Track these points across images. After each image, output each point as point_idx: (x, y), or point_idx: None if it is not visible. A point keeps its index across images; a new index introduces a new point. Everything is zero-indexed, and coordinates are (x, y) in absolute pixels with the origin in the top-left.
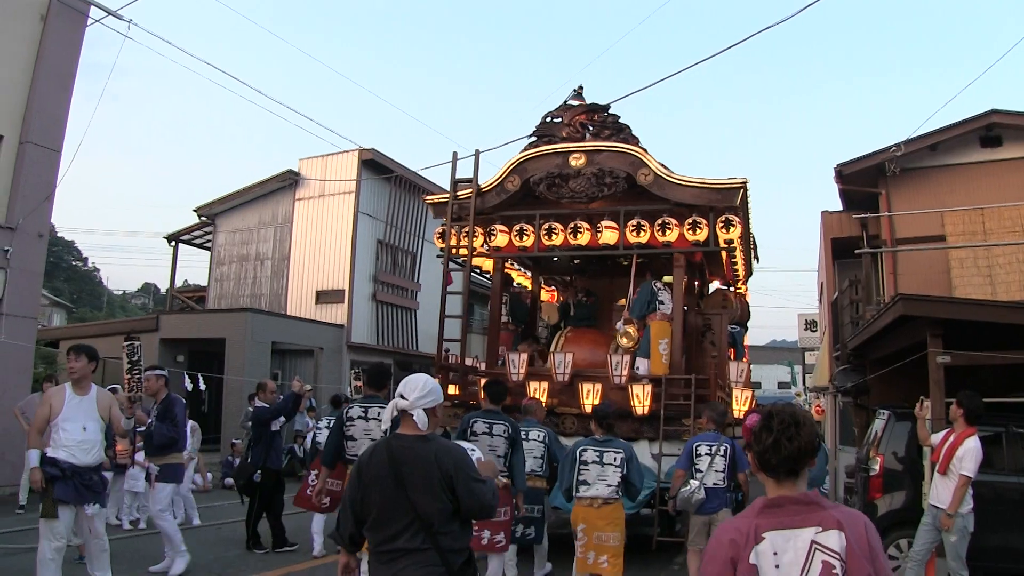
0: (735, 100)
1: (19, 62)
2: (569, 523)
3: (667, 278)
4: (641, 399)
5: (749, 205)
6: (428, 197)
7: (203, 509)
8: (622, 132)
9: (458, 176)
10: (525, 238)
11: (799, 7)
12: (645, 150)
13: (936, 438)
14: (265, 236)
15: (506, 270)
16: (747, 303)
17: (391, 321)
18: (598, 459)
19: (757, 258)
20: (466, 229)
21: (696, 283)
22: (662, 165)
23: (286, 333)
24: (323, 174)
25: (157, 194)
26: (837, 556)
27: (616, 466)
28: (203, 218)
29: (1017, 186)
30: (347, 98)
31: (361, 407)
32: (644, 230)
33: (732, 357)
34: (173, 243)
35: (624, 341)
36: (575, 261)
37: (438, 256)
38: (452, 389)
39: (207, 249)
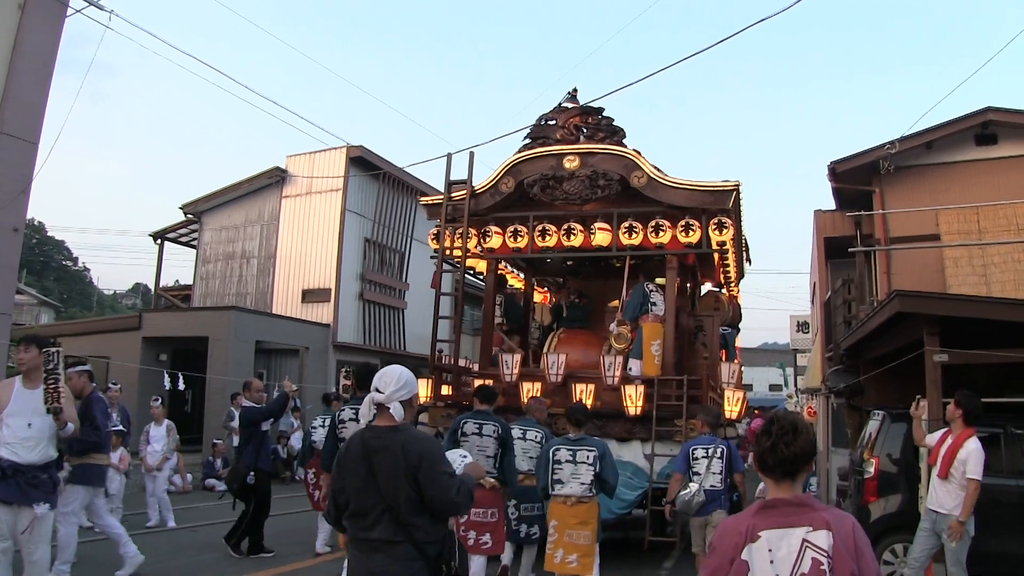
0: (728, 97)
1: None
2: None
3: (660, 280)
4: (634, 400)
5: (742, 207)
6: (422, 198)
7: (180, 511)
8: (616, 135)
9: (452, 177)
10: (519, 239)
11: (791, 1)
12: (638, 152)
13: (932, 439)
14: (251, 234)
15: (499, 271)
16: (739, 305)
17: (378, 320)
18: (571, 458)
19: (749, 260)
20: (460, 230)
21: (688, 285)
22: (655, 167)
23: (271, 332)
24: (311, 171)
25: (149, 193)
26: (825, 553)
27: (589, 464)
28: (189, 215)
29: (1012, 185)
30: (338, 96)
31: (352, 409)
32: (637, 232)
33: (724, 359)
34: (159, 241)
35: (617, 343)
36: (568, 263)
37: (432, 257)
38: (445, 390)
39: (193, 247)
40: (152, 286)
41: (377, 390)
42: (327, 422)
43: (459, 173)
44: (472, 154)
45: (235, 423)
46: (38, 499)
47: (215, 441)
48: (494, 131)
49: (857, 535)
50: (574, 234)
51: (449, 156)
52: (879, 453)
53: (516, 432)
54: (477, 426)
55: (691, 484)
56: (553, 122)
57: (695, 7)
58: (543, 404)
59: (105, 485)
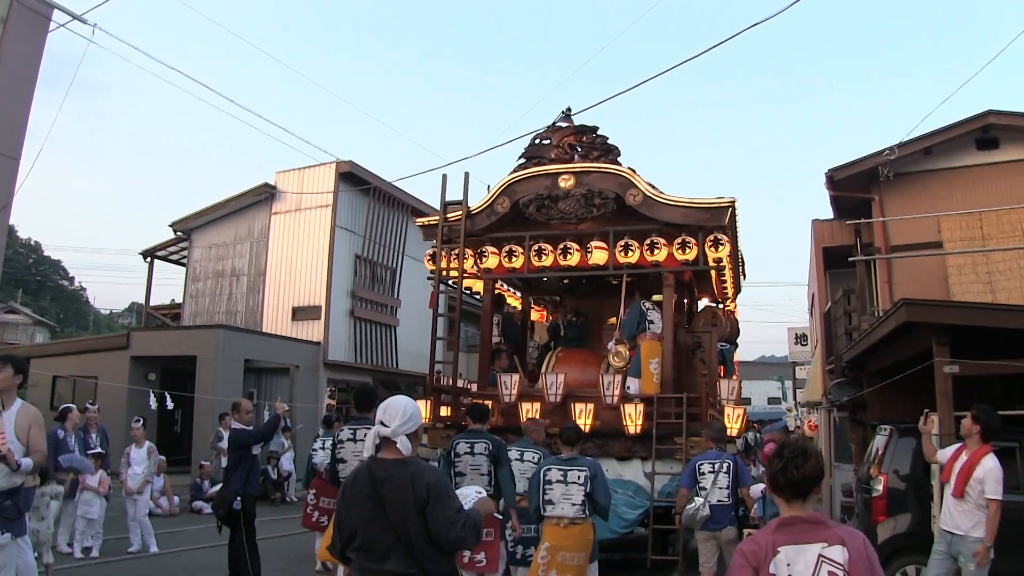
0: (724, 108)
1: None
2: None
3: (657, 297)
4: (633, 418)
5: (738, 223)
6: (418, 220)
7: (166, 535)
8: (610, 153)
9: (445, 196)
10: (515, 259)
11: (786, 7)
12: (633, 171)
13: (944, 455)
14: (241, 251)
15: (497, 291)
16: (736, 320)
17: (370, 338)
18: (562, 478)
19: (744, 275)
20: (456, 251)
21: (686, 301)
22: (650, 185)
23: (260, 350)
24: (300, 187)
25: (143, 210)
26: (841, 567)
27: (580, 484)
28: (179, 233)
29: (1016, 189)
30: (328, 110)
31: (350, 429)
32: (633, 250)
33: (722, 375)
34: (148, 259)
35: (615, 361)
36: (565, 282)
37: (428, 278)
38: (444, 411)
39: (183, 265)
40: (156, 306)
41: (382, 423)
42: (326, 444)
43: (454, 193)
44: (467, 174)
45: (223, 444)
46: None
47: (202, 463)
48: (485, 143)
49: (868, 550)
50: (570, 253)
51: (444, 177)
52: (887, 470)
53: (513, 453)
54: (469, 445)
55: (696, 499)
56: (547, 141)
57: (689, 19)
58: (540, 425)
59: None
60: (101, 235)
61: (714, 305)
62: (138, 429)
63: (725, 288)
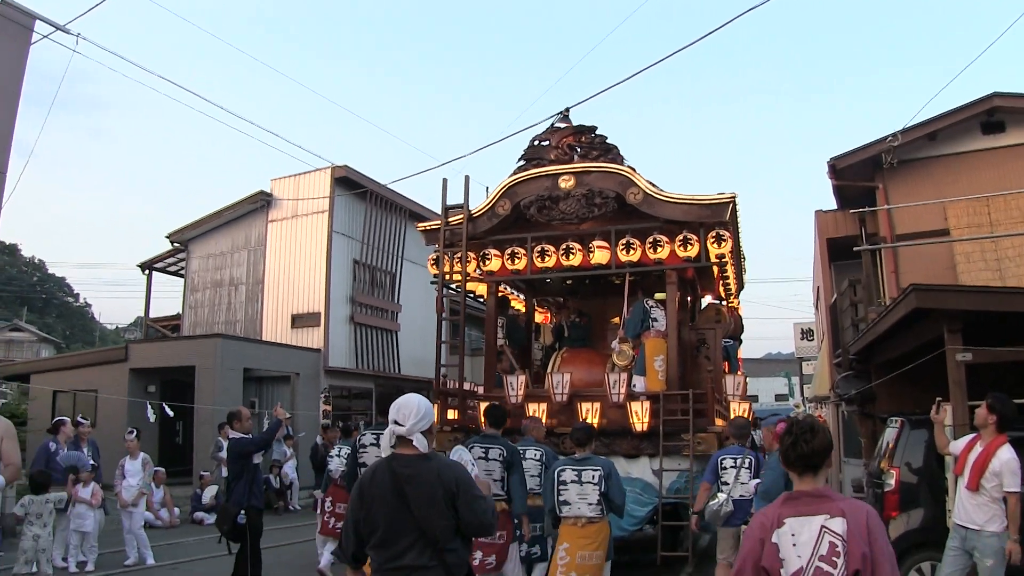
0: (723, 101)
1: None
2: None
3: (659, 295)
4: (640, 416)
5: (739, 219)
6: (420, 224)
7: (165, 547)
8: (610, 152)
9: (446, 200)
10: (517, 261)
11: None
12: (633, 169)
13: (958, 446)
14: (239, 260)
15: (500, 293)
16: (740, 316)
17: (371, 344)
18: (576, 478)
19: (744, 270)
20: (459, 255)
21: (689, 299)
22: (650, 183)
23: (260, 359)
24: (296, 194)
25: (145, 225)
26: (840, 537)
27: (595, 484)
28: (176, 244)
29: (1023, 173)
30: (322, 115)
31: (373, 434)
32: (635, 248)
33: (727, 370)
34: (147, 272)
35: (620, 360)
36: (568, 282)
37: (432, 283)
38: (451, 414)
39: (181, 276)
40: (156, 318)
41: (396, 423)
42: (343, 451)
43: (454, 196)
44: (467, 178)
45: (223, 454)
46: None
47: (202, 473)
48: (482, 144)
49: (871, 522)
50: (572, 253)
51: (445, 181)
52: (899, 463)
53: None
54: (483, 450)
55: (719, 494)
56: (547, 143)
57: (686, 18)
58: (540, 423)
59: None
60: (104, 250)
61: (717, 302)
62: (132, 440)
63: (728, 284)
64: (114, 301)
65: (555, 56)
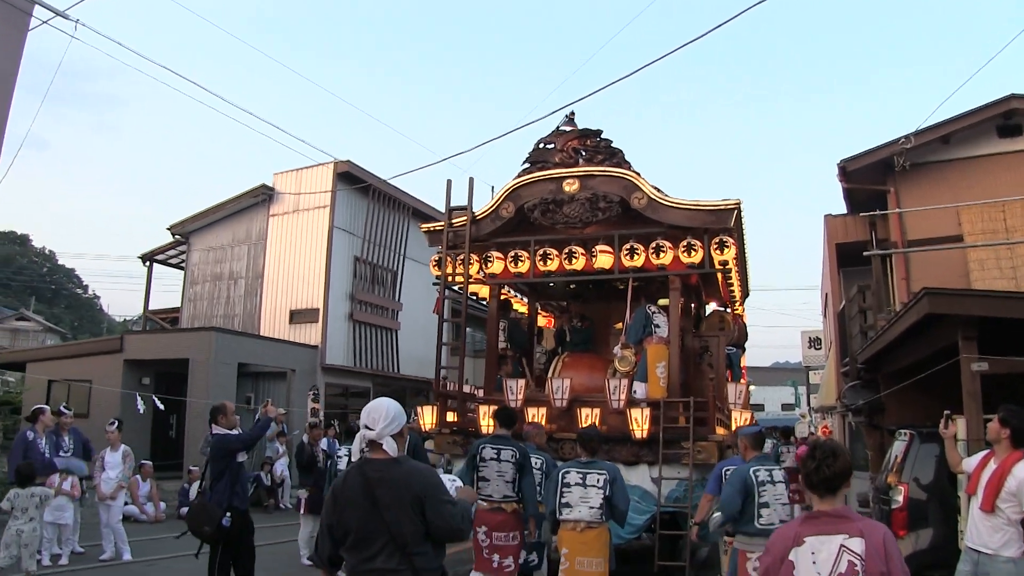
0: (732, 104)
1: None
2: None
3: (663, 301)
4: (640, 423)
5: (744, 225)
6: (423, 225)
7: (145, 542)
8: (615, 156)
9: (450, 201)
10: (520, 264)
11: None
12: (638, 174)
13: (971, 463)
14: (239, 254)
15: (503, 296)
16: (744, 324)
17: (370, 342)
18: (581, 481)
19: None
20: (461, 256)
21: (693, 305)
22: (655, 188)
23: (256, 354)
24: (298, 188)
25: (151, 216)
26: (859, 557)
27: (599, 488)
28: (177, 236)
29: None
30: (326, 110)
31: None
32: (639, 254)
33: (730, 379)
34: (148, 263)
35: (621, 366)
36: (570, 286)
37: (434, 284)
38: (450, 416)
39: (182, 268)
40: (156, 310)
41: (367, 427)
42: (351, 452)
43: (458, 197)
44: (472, 180)
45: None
46: None
47: (190, 468)
48: (482, 142)
49: (888, 543)
50: (576, 257)
51: (449, 182)
52: (907, 479)
53: None
54: (496, 451)
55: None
56: (551, 146)
57: (690, 21)
58: (541, 428)
59: None
60: (113, 243)
61: (721, 309)
62: (113, 432)
63: (732, 291)
64: (123, 293)
65: (555, 56)
